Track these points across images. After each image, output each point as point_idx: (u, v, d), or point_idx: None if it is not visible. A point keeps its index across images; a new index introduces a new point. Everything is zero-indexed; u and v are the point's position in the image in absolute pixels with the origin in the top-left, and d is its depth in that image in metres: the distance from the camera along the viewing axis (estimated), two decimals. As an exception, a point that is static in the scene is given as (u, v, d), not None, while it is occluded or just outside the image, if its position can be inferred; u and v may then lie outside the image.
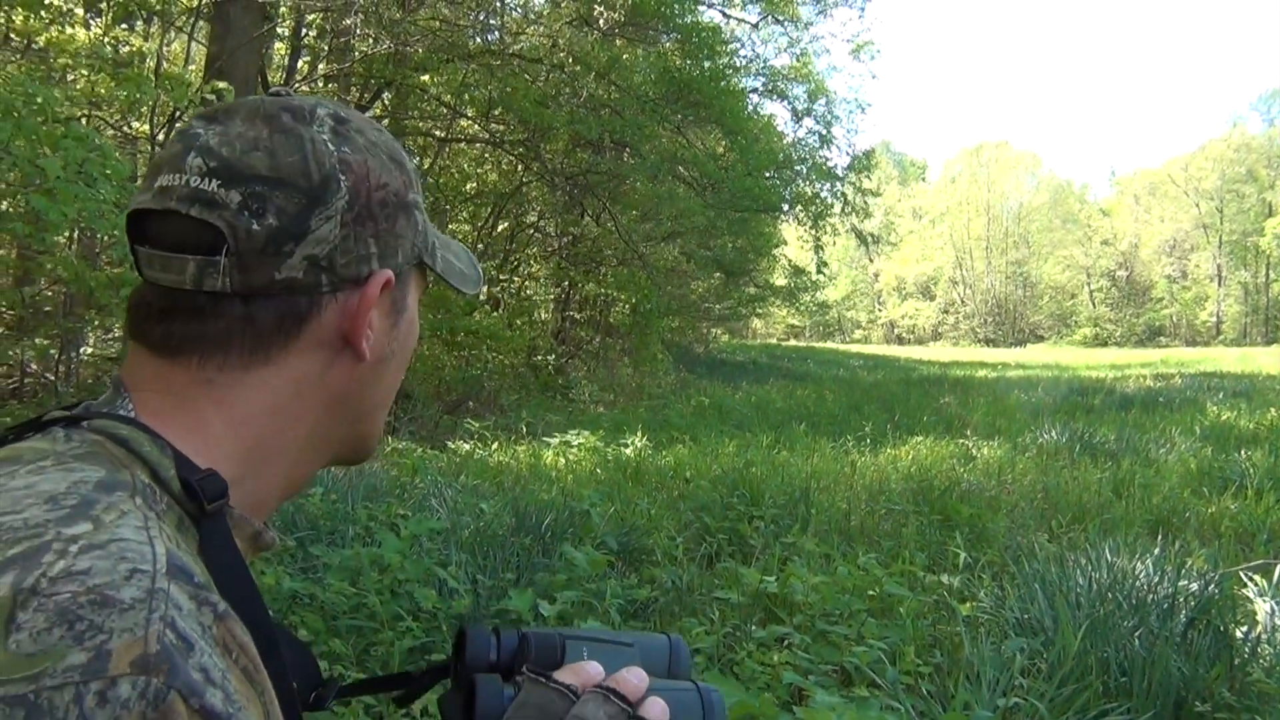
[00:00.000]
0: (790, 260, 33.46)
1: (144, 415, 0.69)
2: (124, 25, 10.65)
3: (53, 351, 8.48)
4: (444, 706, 0.83)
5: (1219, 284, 72.29)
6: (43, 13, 7.76)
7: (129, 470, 0.63)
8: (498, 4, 13.45)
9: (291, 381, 0.73)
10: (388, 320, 0.77)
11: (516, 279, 17.07)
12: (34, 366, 8.79)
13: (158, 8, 9.90)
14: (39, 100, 4.25)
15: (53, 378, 8.51)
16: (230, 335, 0.69)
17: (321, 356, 0.73)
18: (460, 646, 0.82)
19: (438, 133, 14.20)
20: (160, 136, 8.92)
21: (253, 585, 0.65)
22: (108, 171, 4.06)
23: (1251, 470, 7.67)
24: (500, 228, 16.61)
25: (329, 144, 0.71)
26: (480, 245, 15.14)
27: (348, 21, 11.43)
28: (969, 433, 11.10)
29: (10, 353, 8.21)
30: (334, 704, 0.83)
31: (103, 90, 8.32)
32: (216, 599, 0.57)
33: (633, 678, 0.71)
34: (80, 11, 9.54)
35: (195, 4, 10.44)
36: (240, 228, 0.67)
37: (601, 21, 14.36)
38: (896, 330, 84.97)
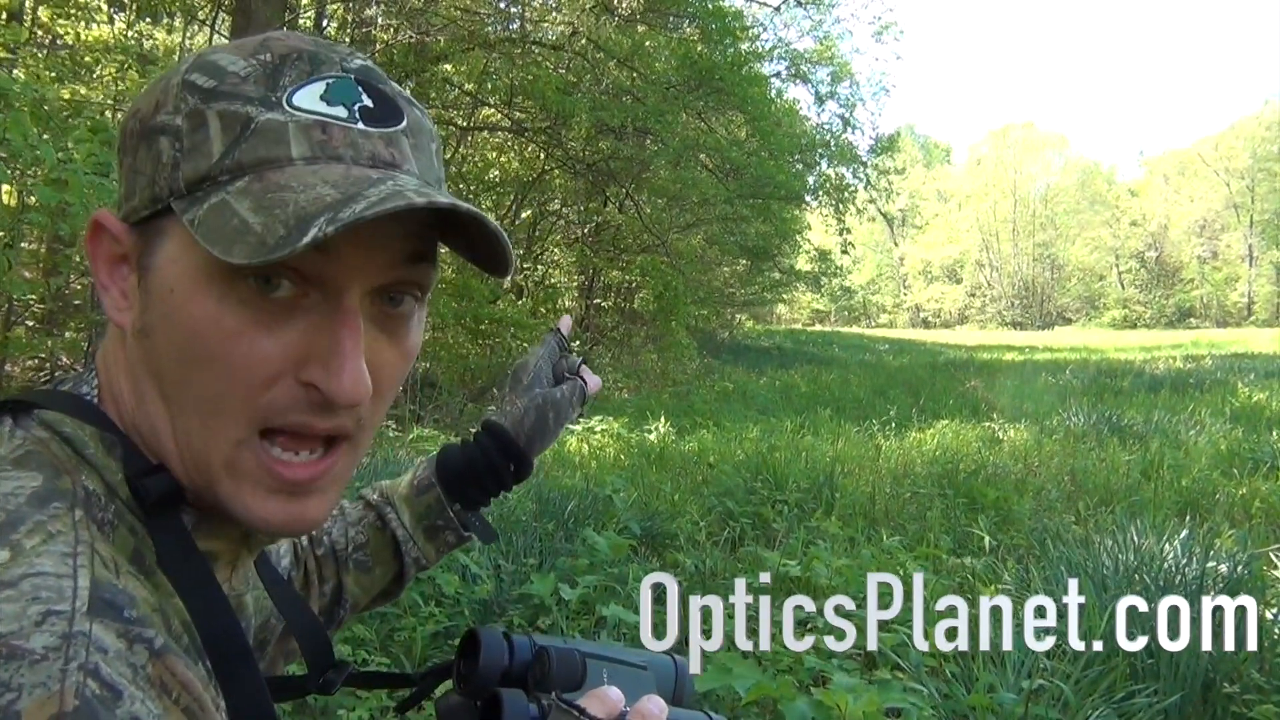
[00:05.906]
0: (814, 244, 33.31)
1: (106, 397, 0.65)
2: (147, 20, 10.73)
3: (82, 344, 8.58)
4: (447, 711, 0.79)
5: (1250, 264, 71.16)
6: (69, 9, 7.84)
7: (71, 476, 0.57)
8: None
9: (115, 345, 0.67)
10: (133, 278, 0.62)
11: (540, 267, 17.09)
12: (64, 359, 8.89)
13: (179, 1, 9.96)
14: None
15: (82, 370, 8.60)
16: None
17: None
18: (468, 650, 0.78)
19: (460, 121, 14.22)
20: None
21: (217, 592, 0.60)
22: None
23: (1283, 451, 7.58)
24: (523, 216, 16.63)
25: None
26: (503, 234, 15.12)
27: (369, 11, 11.47)
28: (995, 416, 11.02)
29: (40, 346, 8.31)
30: (338, 690, 0.79)
31: (129, 84, 8.40)
32: (153, 634, 0.51)
33: (654, 708, 0.68)
34: (105, 7, 9.62)
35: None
36: None
37: (622, 7, 14.32)
38: (922, 314, 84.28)
